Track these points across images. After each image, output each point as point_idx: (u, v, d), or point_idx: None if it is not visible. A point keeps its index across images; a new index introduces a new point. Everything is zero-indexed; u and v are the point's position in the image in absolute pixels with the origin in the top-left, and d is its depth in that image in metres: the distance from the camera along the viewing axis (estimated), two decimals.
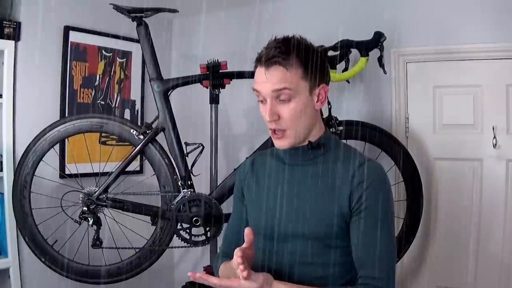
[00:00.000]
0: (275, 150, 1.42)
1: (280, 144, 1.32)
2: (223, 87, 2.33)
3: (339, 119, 2.29)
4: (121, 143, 2.67)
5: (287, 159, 1.38)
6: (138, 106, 3.10)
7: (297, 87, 1.27)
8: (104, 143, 2.86)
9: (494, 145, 2.33)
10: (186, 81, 2.35)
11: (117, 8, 2.25)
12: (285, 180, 1.37)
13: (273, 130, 1.31)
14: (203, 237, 2.25)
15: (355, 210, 1.25)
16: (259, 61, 1.29)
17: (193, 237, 2.24)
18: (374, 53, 2.29)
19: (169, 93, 2.31)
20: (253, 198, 1.45)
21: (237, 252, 1.16)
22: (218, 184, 2.34)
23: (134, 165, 2.58)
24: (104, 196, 2.21)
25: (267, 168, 1.43)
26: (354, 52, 2.32)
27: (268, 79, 1.26)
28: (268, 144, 2.23)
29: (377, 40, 2.26)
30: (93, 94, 2.85)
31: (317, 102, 1.31)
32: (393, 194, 1.52)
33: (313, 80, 1.28)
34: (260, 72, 1.29)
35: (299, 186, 1.34)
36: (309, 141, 1.33)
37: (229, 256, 1.36)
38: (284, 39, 1.30)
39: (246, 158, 2.27)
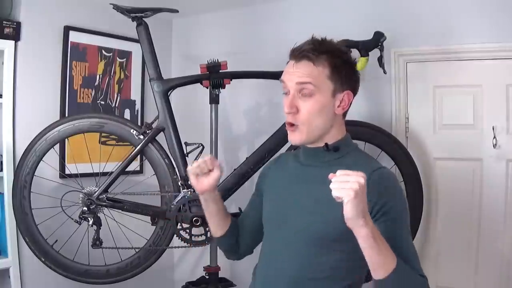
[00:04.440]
0: (298, 151, 1.47)
1: (293, 138, 1.35)
2: (223, 87, 2.33)
3: None
4: (121, 143, 2.67)
5: (303, 159, 1.41)
6: (138, 106, 3.10)
7: (321, 85, 1.29)
8: (104, 143, 2.86)
9: (494, 145, 2.33)
10: (186, 81, 2.35)
11: (117, 8, 2.25)
12: (298, 179, 1.39)
13: (289, 123, 1.34)
14: (203, 237, 2.25)
15: (372, 217, 1.24)
16: (291, 54, 1.34)
17: (193, 237, 2.24)
18: (374, 53, 2.29)
19: (169, 93, 2.31)
20: (267, 194, 1.49)
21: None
22: (218, 184, 2.34)
23: (134, 165, 2.58)
24: (104, 196, 2.21)
25: (286, 167, 1.47)
26: (354, 52, 2.31)
27: (295, 71, 1.31)
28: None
29: (377, 40, 2.26)
30: (93, 94, 2.85)
31: (338, 106, 1.33)
32: None
33: (338, 83, 1.31)
34: (290, 64, 1.34)
35: (309, 186, 1.35)
36: (325, 143, 1.34)
37: None
38: (319, 39, 1.34)
39: (246, 158, 2.30)
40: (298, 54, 1.31)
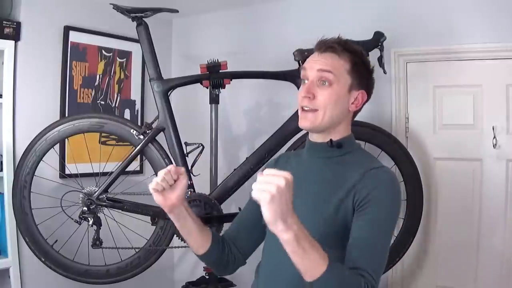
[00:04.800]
0: (299, 150, 1.48)
1: (304, 122, 1.36)
2: (223, 87, 2.33)
3: None
4: (121, 143, 2.67)
5: (307, 155, 1.42)
6: (138, 106, 3.10)
7: (341, 76, 1.33)
8: (104, 143, 2.86)
9: (494, 145, 2.33)
10: (186, 81, 2.35)
11: (117, 8, 2.25)
12: (297, 178, 1.37)
13: (302, 108, 1.36)
14: None
15: (358, 208, 1.25)
16: (316, 46, 1.38)
17: None
18: (374, 53, 2.29)
19: (169, 93, 2.31)
20: None
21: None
22: (218, 184, 2.34)
23: (134, 165, 2.58)
24: (104, 196, 2.21)
25: (286, 167, 1.45)
26: None
27: (318, 60, 1.35)
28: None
29: (377, 40, 2.26)
30: (93, 94, 2.85)
31: (352, 103, 1.37)
32: None
33: (356, 80, 1.35)
34: (314, 54, 1.39)
35: (309, 185, 1.35)
36: (330, 139, 1.36)
37: (225, 235, 1.52)
38: (345, 39, 1.41)
39: (246, 158, 2.30)
40: (323, 45, 1.35)
